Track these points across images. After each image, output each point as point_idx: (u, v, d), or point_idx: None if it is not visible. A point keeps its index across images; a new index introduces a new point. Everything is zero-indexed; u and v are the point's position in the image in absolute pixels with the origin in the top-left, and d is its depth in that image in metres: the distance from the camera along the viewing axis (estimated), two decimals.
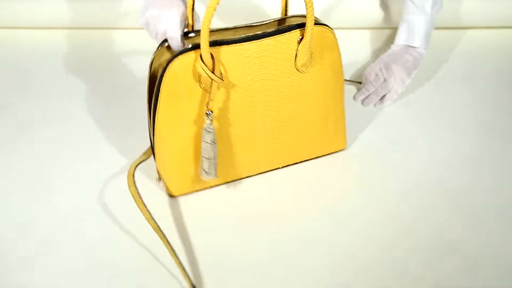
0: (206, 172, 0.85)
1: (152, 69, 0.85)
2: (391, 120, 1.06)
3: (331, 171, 0.95)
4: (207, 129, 0.83)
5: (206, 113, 0.82)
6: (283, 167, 0.95)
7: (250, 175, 0.93)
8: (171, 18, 0.85)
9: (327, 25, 0.86)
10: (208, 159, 0.84)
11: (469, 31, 1.33)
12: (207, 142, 0.83)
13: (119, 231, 0.85)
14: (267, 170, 0.94)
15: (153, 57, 0.85)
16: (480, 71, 1.20)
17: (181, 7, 0.86)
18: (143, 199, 0.85)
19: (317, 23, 0.85)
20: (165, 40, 0.85)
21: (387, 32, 1.32)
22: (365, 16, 1.31)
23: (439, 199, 0.90)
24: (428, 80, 1.17)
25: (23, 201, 0.91)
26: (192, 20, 0.87)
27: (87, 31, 1.36)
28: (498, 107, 1.10)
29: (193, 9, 0.86)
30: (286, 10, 0.90)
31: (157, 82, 0.81)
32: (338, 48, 0.89)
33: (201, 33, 0.77)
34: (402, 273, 0.79)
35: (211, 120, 0.82)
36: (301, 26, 0.83)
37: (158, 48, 0.85)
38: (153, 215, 0.84)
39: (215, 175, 0.86)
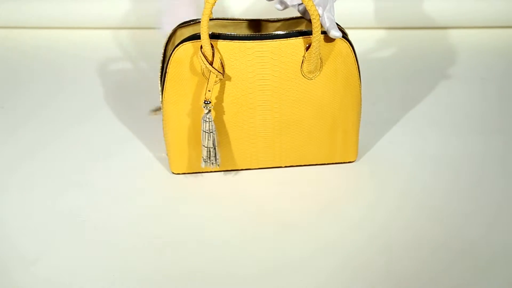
0: (204, 160, 0.88)
1: (166, 49, 0.89)
2: (406, 132, 1.03)
3: (335, 178, 0.93)
4: (205, 119, 0.85)
5: (204, 102, 0.83)
6: (285, 166, 0.94)
7: (249, 167, 0.94)
8: None
9: (343, 36, 0.84)
10: (207, 147, 0.87)
11: (469, 31, 1.33)
12: (205, 131, 0.86)
13: (119, 231, 0.85)
14: (267, 166, 0.94)
15: (167, 38, 0.89)
16: (480, 71, 1.20)
17: None
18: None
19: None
20: (183, 23, 0.89)
21: (385, 32, 1.33)
22: (362, 15, 1.31)
23: (446, 202, 0.88)
24: (428, 80, 1.18)
25: (23, 201, 0.91)
26: None
27: (88, 31, 1.36)
28: (498, 107, 1.10)
29: None
30: None
31: (166, 62, 0.85)
32: (355, 60, 0.86)
33: (201, 24, 0.78)
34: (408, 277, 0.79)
35: (209, 110, 0.84)
36: (311, 33, 0.82)
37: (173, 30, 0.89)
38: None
39: (215, 164, 0.88)
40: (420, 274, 0.78)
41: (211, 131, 0.86)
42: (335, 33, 0.81)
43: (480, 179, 0.93)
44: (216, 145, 0.87)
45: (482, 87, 1.15)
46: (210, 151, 0.87)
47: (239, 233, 0.84)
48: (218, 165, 0.89)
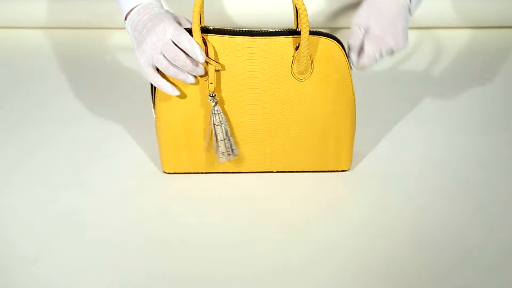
0: (223, 154, 0.87)
1: None
2: (402, 140, 1.01)
3: (335, 178, 0.93)
4: (213, 111, 0.84)
5: (210, 95, 0.83)
6: (277, 172, 0.94)
7: (240, 171, 0.93)
8: (167, 26, 0.80)
9: (335, 38, 0.82)
10: (223, 140, 0.86)
11: (469, 31, 1.33)
12: (216, 124, 0.85)
13: (118, 231, 0.85)
14: (258, 170, 0.93)
15: None
16: (480, 71, 1.20)
17: (167, 16, 0.81)
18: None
19: (322, 33, 0.82)
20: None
21: None
22: None
23: (447, 202, 0.88)
24: (428, 80, 1.17)
25: (23, 201, 0.91)
26: (201, 16, 0.89)
27: (87, 30, 1.36)
28: (499, 107, 1.10)
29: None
30: (297, 21, 0.85)
31: None
32: (347, 65, 0.84)
33: (192, 16, 0.78)
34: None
35: (216, 102, 0.83)
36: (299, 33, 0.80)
37: None
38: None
39: (235, 154, 0.88)
40: (422, 276, 0.77)
41: (221, 122, 0.85)
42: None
43: (481, 180, 0.92)
44: (229, 135, 0.86)
45: (483, 87, 1.15)
46: (226, 143, 0.86)
47: (236, 234, 0.84)
48: (236, 155, 0.89)
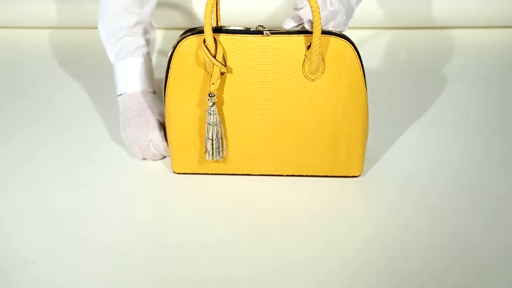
0: (208, 152, 0.89)
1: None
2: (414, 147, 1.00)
3: (334, 177, 0.93)
4: (209, 111, 0.85)
5: (209, 95, 0.83)
6: (286, 175, 0.93)
7: (249, 173, 0.93)
8: (151, 135, 0.95)
9: (347, 38, 0.82)
10: (211, 139, 0.87)
11: (469, 31, 1.33)
12: (209, 124, 0.86)
13: (120, 231, 0.85)
14: (267, 173, 0.93)
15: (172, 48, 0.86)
16: (480, 71, 1.20)
17: (153, 118, 0.96)
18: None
19: (334, 33, 0.81)
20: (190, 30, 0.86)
21: (386, 32, 1.32)
22: (362, 15, 1.31)
23: (446, 202, 0.88)
24: (429, 80, 1.17)
25: (23, 201, 0.91)
26: (217, 15, 0.90)
27: (88, 30, 1.36)
28: (499, 107, 1.10)
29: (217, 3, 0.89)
30: None
31: (168, 59, 0.85)
32: (360, 67, 0.83)
33: (204, 15, 0.78)
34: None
35: (213, 102, 0.84)
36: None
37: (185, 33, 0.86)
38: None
39: (220, 156, 0.89)
40: (421, 274, 0.77)
41: (215, 123, 0.86)
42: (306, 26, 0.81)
43: (481, 179, 0.93)
44: (220, 137, 0.87)
45: (483, 87, 1.15)
46: (213, 143, 0.87)
47: (240, 234, 0.84)
48: (222, 157, 0.89)
